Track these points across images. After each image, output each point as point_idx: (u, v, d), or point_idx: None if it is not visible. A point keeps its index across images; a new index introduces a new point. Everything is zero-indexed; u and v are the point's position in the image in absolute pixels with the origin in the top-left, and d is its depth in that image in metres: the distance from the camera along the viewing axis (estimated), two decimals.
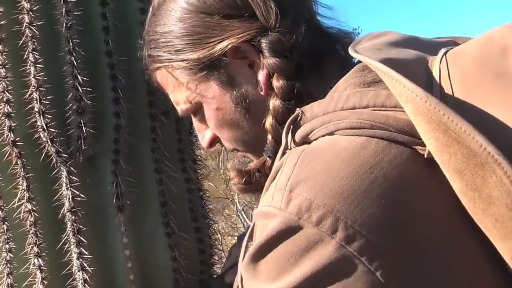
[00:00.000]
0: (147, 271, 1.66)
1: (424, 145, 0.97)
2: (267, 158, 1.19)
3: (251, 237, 1.12)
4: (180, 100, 1.30)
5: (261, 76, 1.20)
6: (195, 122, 1.37)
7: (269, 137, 1.18)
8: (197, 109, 1.29)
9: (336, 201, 0.93)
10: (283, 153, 1.09)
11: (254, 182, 1.22)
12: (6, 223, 1.62)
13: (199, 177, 1.82)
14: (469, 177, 0.91)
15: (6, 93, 1.55)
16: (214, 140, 1.35)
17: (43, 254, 1.59)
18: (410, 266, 0.94)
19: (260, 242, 1.00)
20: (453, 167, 0.92)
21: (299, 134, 1.08)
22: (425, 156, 0.97)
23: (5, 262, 1.63)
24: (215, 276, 1.78)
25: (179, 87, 1.28)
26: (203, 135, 1.36)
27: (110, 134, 1.60)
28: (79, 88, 1.53)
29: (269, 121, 1.17)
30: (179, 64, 1.25)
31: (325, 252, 0.93)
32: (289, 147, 1.10)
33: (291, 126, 1.09)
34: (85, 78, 1.54)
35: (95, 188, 1.60)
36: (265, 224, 1.00)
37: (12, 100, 1.55)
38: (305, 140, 1.07)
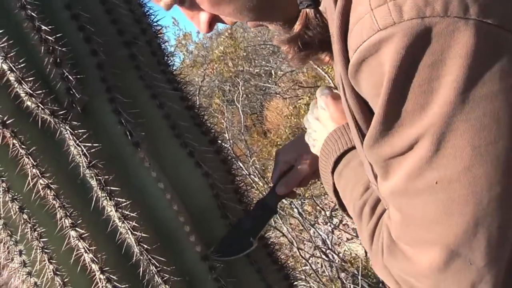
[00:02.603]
0: (187, 197, 1.59)
1: None
2: (307, 10, 1.02)
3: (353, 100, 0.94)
4: None
5: None
6: (185, 11, 1.14)
7: None
8: None
9: None
10: None
11: (311, 42, 1.06)
12: (25, 211, 1.52)
13: (189, 94, 1.74)
14: None
15: None
16: (213, 20, 1.13)
17: (79, 222, 1.50)
18: None
19: (389, 79, 0.83)
20: None
21: None
22: None
23: (40, 250, 1.53)
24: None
25: None
26: (198, 20, 1.14)
27: (96, 75, 1.50)
28: (48, 39, 1.42)
29: None
30: None
31: (467, 39, 0.78)
32: None
33: None
34: (49, 28, 1.42)
35: (103, 134, 1.51)
36: (380, 58, 0.83)
37: None
38: None
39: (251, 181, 4.57)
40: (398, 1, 0.80)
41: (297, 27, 1.04)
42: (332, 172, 1.30)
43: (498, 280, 0.90)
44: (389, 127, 0.87)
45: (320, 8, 1.00)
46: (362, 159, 1.05)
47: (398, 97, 0.83)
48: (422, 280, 0.94)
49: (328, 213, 4.75)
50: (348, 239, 4.85)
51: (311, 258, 4.20)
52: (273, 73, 9.16)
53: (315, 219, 4.85)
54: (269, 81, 9.17)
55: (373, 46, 0.83)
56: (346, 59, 0.91)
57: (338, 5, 0.89)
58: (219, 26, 9.87)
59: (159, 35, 1.75)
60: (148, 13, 1.73)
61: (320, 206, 4.79)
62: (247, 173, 4.52)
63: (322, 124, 1.38)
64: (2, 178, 1.50)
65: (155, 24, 1.75)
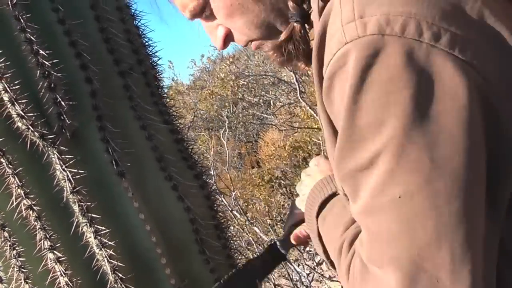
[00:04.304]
0: (167, 229, 1.61)
1: None
2: (295, 24, 1.13)
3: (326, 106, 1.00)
4: (186, 0, 1.22)
5: None
6: (205, 24, 1.27)
7: (290, 3, 1.12)
8: (205, 5, 1.21)
9: (410, 6, 0.89)
10: (322, 11, 1.02)
11: (292, 51, 1.15)
12: (6, 229, 1.54)
13: (179, 127, 1.77)
14: None
15: None
16: (227, 37, 1.26)
17: (57, 245, 1.52)
18: (499, 50, 0.91)
19: (350, 86, 0.90)
20: None
21: None
22: None
23: (17, 268, 1.55)
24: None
25: None
26: (215, 35, 1.27)
27: (88, 102, 1.53)
28: (45, 63, 1.45)
29: None
30: None
31: (420, 60, 0.87)
32: (320, 2, 1.03)
33: None
34: (46, 52, 1.45)
35: (90, 161, 1.53)
36: (345, 68, 0.91)
37: None
38: None
39: (232, 216, 4.58)
40: (365, 19, 0.89)
41: (282, 36, 1.15)
42: (317, 217, 1.31)
43: None
44: (352, 140, 0.92)
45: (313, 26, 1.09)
46: (339, 189, 1.10)
47: (358, 108, 0.89)
48: None
49: (312, 249, 4.74)
50: (330, 277, 4.84)
51: None
52: (271, 103, 9.21)
53: (299, 254, 4.85)
54: (268, 110, 9.22)
55: (342, 58, 0.90)
56: (321, 78, 0.98)
57: (318, 26, 0.99)
58: (223, 51, 9.95)
59: (155, 67, 1.78)
60: (147, 44, 1.76)
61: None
62: (229, 209, 4.54)
63: (312, 178, 1.42)
64: None
65: (153, 55, 1.78)
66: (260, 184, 6.71)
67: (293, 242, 1.62)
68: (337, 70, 0.92)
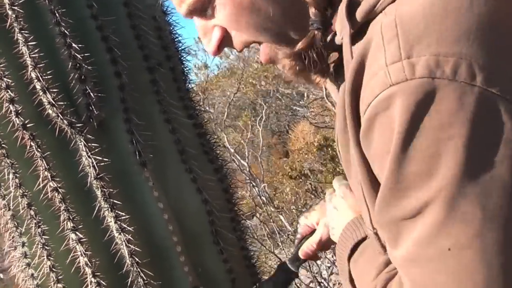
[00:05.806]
0: (183, 219, 1.69)
1: None
2: (316, 31, 1.04)
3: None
4: None
5: None
6: (201, 23, 1.13)
7: (312, 9, 1.03)
8: (205, 2, 1.08)
9: (461, 46, 0.83)
10: (352, 39, 0.96)
11: (310, 61, 1.07)
12: (32, 208, 1.63)
13: (203, 122, 1.85)
14: None
15: (4, 79, 1.54)
16: (223, 41, 1.12)
17: (80, 227, 1.60)
18: None
19: (398, 134, 0.85)
20: None
21: (361, 11, 0.95)
22: None
23: (41, 245, 1.64)
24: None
25: None
26: (209, 38, 1.13)
27: (116, 95, 1.61)
28: (77, 56, 1.54)
29: None
30: None
31: (473, 107, 0.82)
32: (351, 30, 0.95)
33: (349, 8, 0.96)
34: (79, 45, 1.54)
35: (114, 151, 1.62)
36: (391, 114, 0.86)
37: (12, 84, 1.54)
38: (370, 15, 0.94)
39: (261, 202, 4.66)
40: (413, 60, 0.84)
41: (301, 44, 1.06)
42: (349, 259, 1.27)
43: None
44: (398, 188, 0.87)
45: (336, 39, 1.03)
46: (368, 233, 1.10)
47: (406, 155, 0.85)
48: None
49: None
50: None
51: None
52: (305, 95, 9.23)
53: None
54: (300, 102, 9.26)
55: (385, 100, 0.86)
56: (355, 112, 0.94)
57: (355, 59, 0.93)
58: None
59: (183, 62, 1.85)
60: (176, 40, 1.84)
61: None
62: (258, 194, 4.62)
63: (340, 213, 1.41)
64: (16, 174, 1.61)
65: (182, 51, 1.85)
66: (290, 174, 6.77)
67: (302, 257, 1.64)
68: (380, 113, 0.87)
